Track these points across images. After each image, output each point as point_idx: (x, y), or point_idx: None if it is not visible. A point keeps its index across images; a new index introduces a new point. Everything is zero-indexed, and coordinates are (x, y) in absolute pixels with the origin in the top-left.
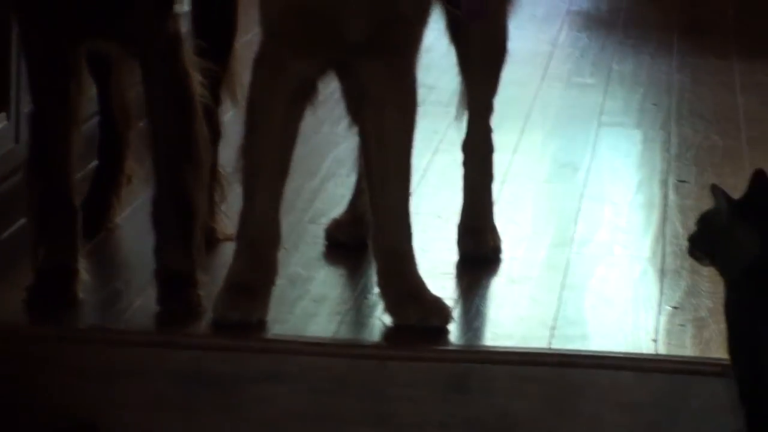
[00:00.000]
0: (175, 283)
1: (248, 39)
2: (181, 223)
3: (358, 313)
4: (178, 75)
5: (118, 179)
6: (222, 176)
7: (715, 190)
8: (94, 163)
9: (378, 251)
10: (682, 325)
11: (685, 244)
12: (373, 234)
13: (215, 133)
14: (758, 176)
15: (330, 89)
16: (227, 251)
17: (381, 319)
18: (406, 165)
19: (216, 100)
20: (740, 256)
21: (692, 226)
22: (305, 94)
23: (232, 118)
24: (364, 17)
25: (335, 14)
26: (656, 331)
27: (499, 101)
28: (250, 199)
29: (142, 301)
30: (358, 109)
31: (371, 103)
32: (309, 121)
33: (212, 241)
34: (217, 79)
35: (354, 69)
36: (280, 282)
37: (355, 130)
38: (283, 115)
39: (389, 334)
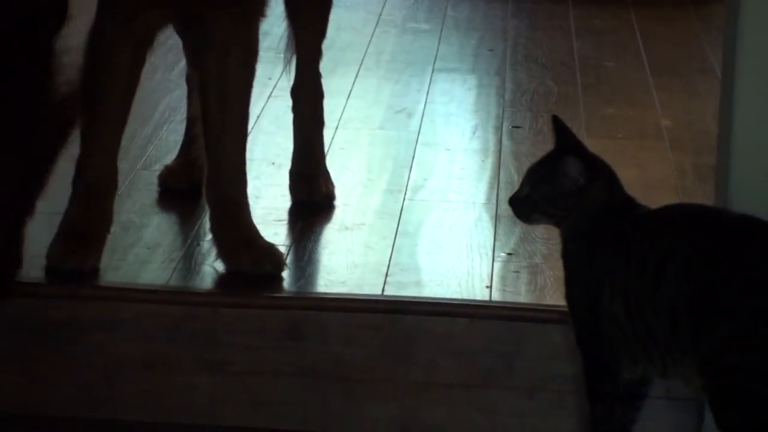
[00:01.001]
0: None
1: None
2: None
3: (191, 260)
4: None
5: None
6: None
7: (568, 160)
8: None
9: (211, 198)
10: (516, 272)
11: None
12: (206, 181)
13: None
14: (557, 122)
15: (164, 36)
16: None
17: (214, 266)
18: (243, 113)
19: None
20: (588, 207)
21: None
22: (149, 42)
23: None
24: None
25: None
26: (490, 278)
27: (333, 47)
28: (89, 145)
29: None
30: (199, 56)
31: (214, 51)
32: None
33: None
34: None
35: (199, 16)
36: (113, 229)
37: (188, 77)
38: (127, 63)
39: (222, 281)
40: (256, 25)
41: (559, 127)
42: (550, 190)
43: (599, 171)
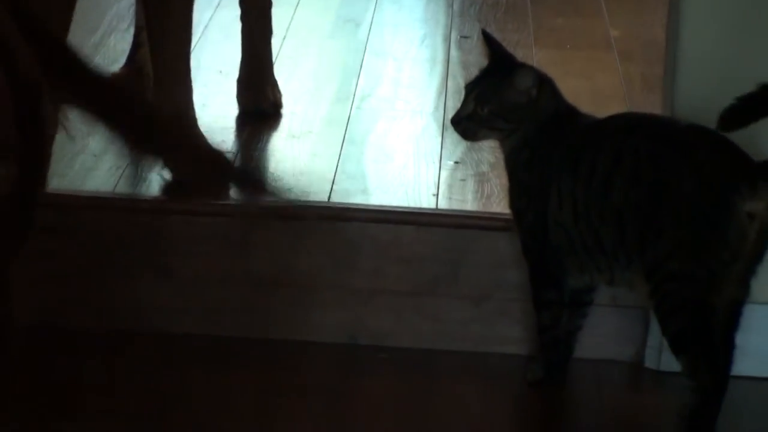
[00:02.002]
0: None
1: None
2: None
3: (138, 167)
4: None
5: None
6: None
7: (522, 72)
8: None
9: (157, 105)
10: (463, 180)
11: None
12: (152, 88)
13: None
14: (486, 35)
15: None
16: None
17: (161, 173)
18: (185, 20)
19: None
20: (538, 117)
21: None
22: None
23: None
24: None
25: None
26: (437, 186)
27: None
28: None
29: None
30: None
31: None
32: None
33: None
34: None
35: None
36: (59, 137)
37: None
38: None
39: (169, 188)
40: None
41: (490, 40)
42: (501, 104)
43: (545, 80)
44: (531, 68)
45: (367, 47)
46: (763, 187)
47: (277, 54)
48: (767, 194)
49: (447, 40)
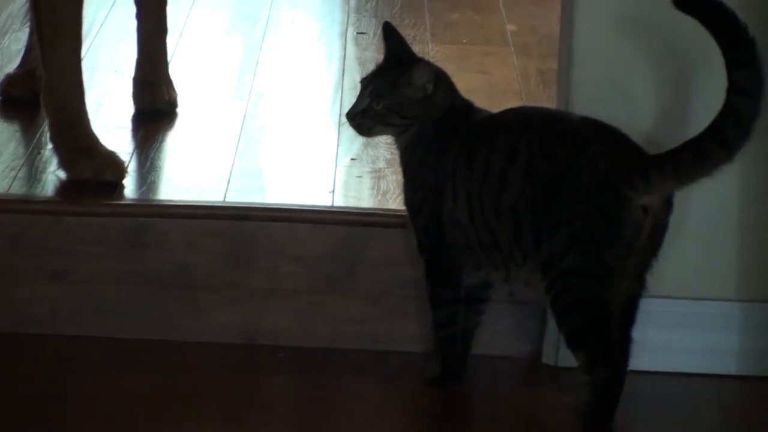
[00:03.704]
0: None
1: None
2: None
3: (32, 168)
4: None
5: None
6: None
7: (418, 67)
8: None
9: (48, 106)
10: (359, 177)
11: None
12: (44, 89)
13: None
14: (387, 28)
15: None
16: None
17: (56, 174)
18: (75, 20)
19: None
20: (433, 113)
21: None
22: None
23: None
24: None
25: None
26: (333, 183)
27: None
28: None
29: None
30: None
31: None
32: None
33: None
34: None
35: None
36: None
37: None
38: None
39: (64, 189)
40: None
41: (390, 34)
42: (396, 100)
43: (440, 76)
44: (427, 64)
45: (263, 44)
46: (657, 181)
47: (173, 52)
48: (661, 188)
49: (343, 36)
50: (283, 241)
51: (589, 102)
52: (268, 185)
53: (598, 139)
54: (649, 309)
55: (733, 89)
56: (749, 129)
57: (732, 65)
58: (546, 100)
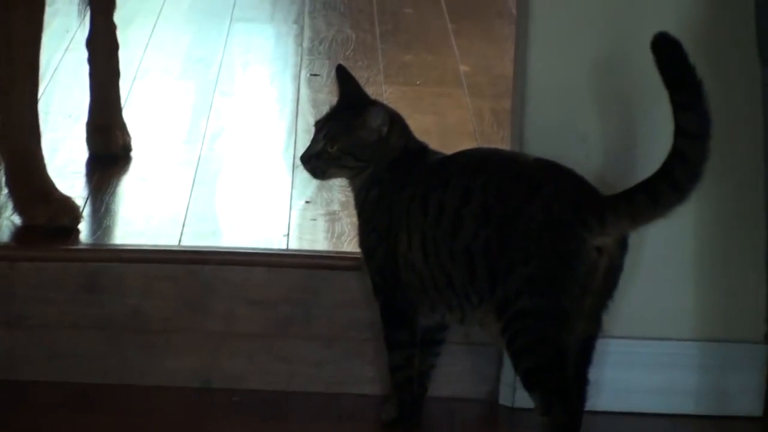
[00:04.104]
0: None
1: None
2: None
3: None
4: None
5: None
6: None
7: (372, 110)
8: None
9: (5, 151)
10: (313, 219)
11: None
12: (0, 133)
13: None
14: (341, 71)
15: None
16: None
17: (11, 219)
18: (32, 66)
19: None
20: (387, 155)
21: None
22: None
23: None
24: None
25: None
26: (288, 226)
27: None
28: None
29: None
30: None
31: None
32: None
33: None
34: None
35: None
36: None
37: None
38: None
39: (19, 234)
40: None
41: (344, 77)
42: (351, 142)
43: (395, 118)
44: (382, 106)
45: (216, 88)
46: (612, 222)
47: (127, 96)
48: (616, 229)
49: (297, 78)
50: (239, 284)
51: (543, 142)
52: (223, 228)
53: (553, 180)
54: (605, 349)
55: (679, 132)
56: (699, 171)
57: (678, 107)
58: (500, 140)
